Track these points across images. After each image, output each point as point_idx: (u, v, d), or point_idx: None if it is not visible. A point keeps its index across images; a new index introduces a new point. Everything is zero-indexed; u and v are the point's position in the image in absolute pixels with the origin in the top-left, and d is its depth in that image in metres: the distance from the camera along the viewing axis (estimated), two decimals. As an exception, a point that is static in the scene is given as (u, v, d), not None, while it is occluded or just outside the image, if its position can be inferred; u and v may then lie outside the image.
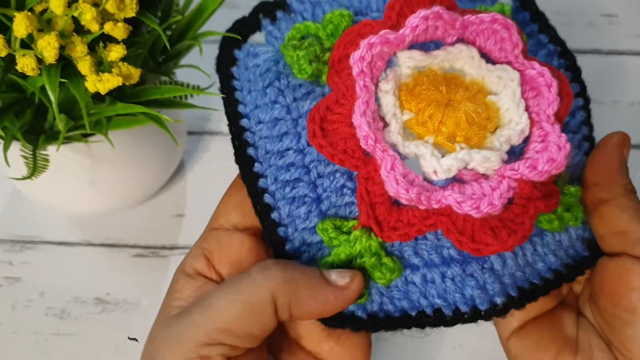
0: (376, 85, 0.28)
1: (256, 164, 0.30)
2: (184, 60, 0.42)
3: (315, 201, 0.29)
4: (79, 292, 0.48)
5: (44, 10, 0.33)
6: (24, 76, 0.34)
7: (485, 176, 0.27)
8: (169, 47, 0.35)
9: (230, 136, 0.32)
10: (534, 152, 0.28)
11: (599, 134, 0.54)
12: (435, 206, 0.27)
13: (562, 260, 0.31)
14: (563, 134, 0.27)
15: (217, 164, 0.53)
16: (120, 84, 0.33)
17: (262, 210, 0.30)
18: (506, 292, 0.29)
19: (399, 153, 0.27)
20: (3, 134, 0.36)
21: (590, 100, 0.34)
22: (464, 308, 0.28)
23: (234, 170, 0.36)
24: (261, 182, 0.30)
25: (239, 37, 0.33)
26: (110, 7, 0.32)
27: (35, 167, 0.38)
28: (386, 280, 0.28)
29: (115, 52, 0.33)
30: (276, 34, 0.32)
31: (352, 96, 0.27)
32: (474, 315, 0.28)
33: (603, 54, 0.58)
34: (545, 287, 0.30)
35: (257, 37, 0.33)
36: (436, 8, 0.27)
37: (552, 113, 0.28)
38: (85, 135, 0.40)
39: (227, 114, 0.31)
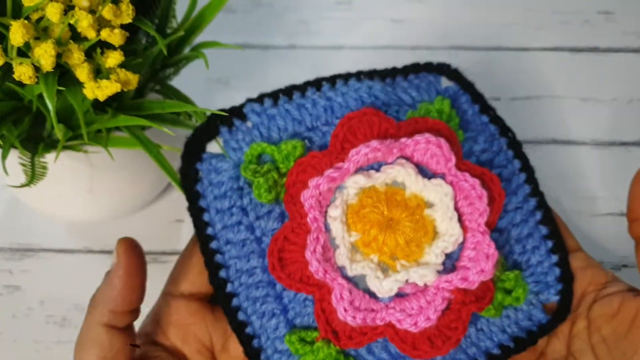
0: (326, 212, 0.32)
1: (228, 284, 0.34)
2: (183, 71, 0.41)
3: (283, 312, 0.33)
4: (79, 299, 0.48)
5: (40, 18, 0.33)
6: (21, 84, 0.34)
7: (424, 287, 0.32)
8: (165, 53, 0.35)
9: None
10: (467, 259, 0.32)
11: (597, 131, 0.54)
12: (380, 324, 0.32)
13: (511, 335, 0.34)
14: (492, 243, 0.32)
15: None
16: (119, 90, 0.33)
17: (237, 326, 0.34)
18: None
19: (347, 276, 0.32)
20: (1, 142, 0.36)
21: (534, 170, 0.37)
22: None
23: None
24: (234, 301, 0.34)
25: (199, 150, 0.36)
26: (106, 13, 0.32)
27: (34, 174, 0.38)
28: None
29: (113, 59, 0.33)
30: (234, 145, 0.34)
31: (305, 225, 0.32)
32: None
33: (600, 51, 0.58)
34: None
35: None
36: (375, 144, 0.31)
37: (482, 222, 0.32)
38: (84, 144, 0.39)
39: (197, 235, 0.35)
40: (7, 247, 0.50)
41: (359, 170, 0.32)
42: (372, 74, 0.36)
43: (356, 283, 0.32)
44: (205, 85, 0.41)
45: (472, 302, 0.32)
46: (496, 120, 0.37)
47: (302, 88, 0.35)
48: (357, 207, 0.32)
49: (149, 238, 0.50)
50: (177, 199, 0.52)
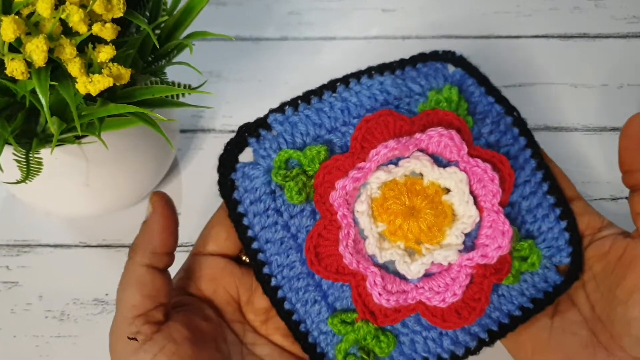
0: (353, 207, 0.35)
1: (272, 279, 0.37)
2: (176, 65, 0.41)
3: (323, 298, 0.37)
4: (77, 293, 0.48)
5: (31, 14, 0.33)
6: (13, 80, 0.34)
7: (448, 266, 0.35)
8: (158, 46, 0.35)
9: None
10: (485, 237, 0.35)
11: (590, 117, 0.55)
12: (412, 302, 0.35)
13: (529, 297, 0.37)
14: (506, 220, 0.34)
15: (211, 161, 0.52)
16: (111, 84, 0.33)
17: (285, 315, 0.37)
18: (477, 337, 0.37)
19: (377, 263, 0.35)
20: (-5, 139, 0.36)
21: (539, 145, 0.39)
22: (444, 356, 0.37)
23: (228, 166, 0.36)
24: (279, 293, 0.37)
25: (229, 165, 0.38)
26: (97, 8, 0.32)
27: (29, 170, 0.38)
28: (385, 354, 0.37)
29: (105, 53, 0.33)
30: (262, 153, 0.37)
31: (336, 221, 0.35)
32: (453, 359, 0.37)
33: (590, 37, 0.58)
34: (513, 324, 0.37)
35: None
36: (392, 144, 0.34)
37: (496, 202, 0.35)
38: (78, 137, 0.40)
39: (239, 237, 0.38)
40: (4, 243, 0.50)
41: (379, 166, 0.35)
42: (382, 68, 0.39)
43: (387, 268, 0.35)
44: (198, 77, 0.41)
45: (492, 274, 0.35)
46: (501, 100, 0.40)
47: (318, 92, 0.38)
48: (381, 200, 0.35)
49: (145, 231, 0.51)
50: (173, 191, 0.52)
